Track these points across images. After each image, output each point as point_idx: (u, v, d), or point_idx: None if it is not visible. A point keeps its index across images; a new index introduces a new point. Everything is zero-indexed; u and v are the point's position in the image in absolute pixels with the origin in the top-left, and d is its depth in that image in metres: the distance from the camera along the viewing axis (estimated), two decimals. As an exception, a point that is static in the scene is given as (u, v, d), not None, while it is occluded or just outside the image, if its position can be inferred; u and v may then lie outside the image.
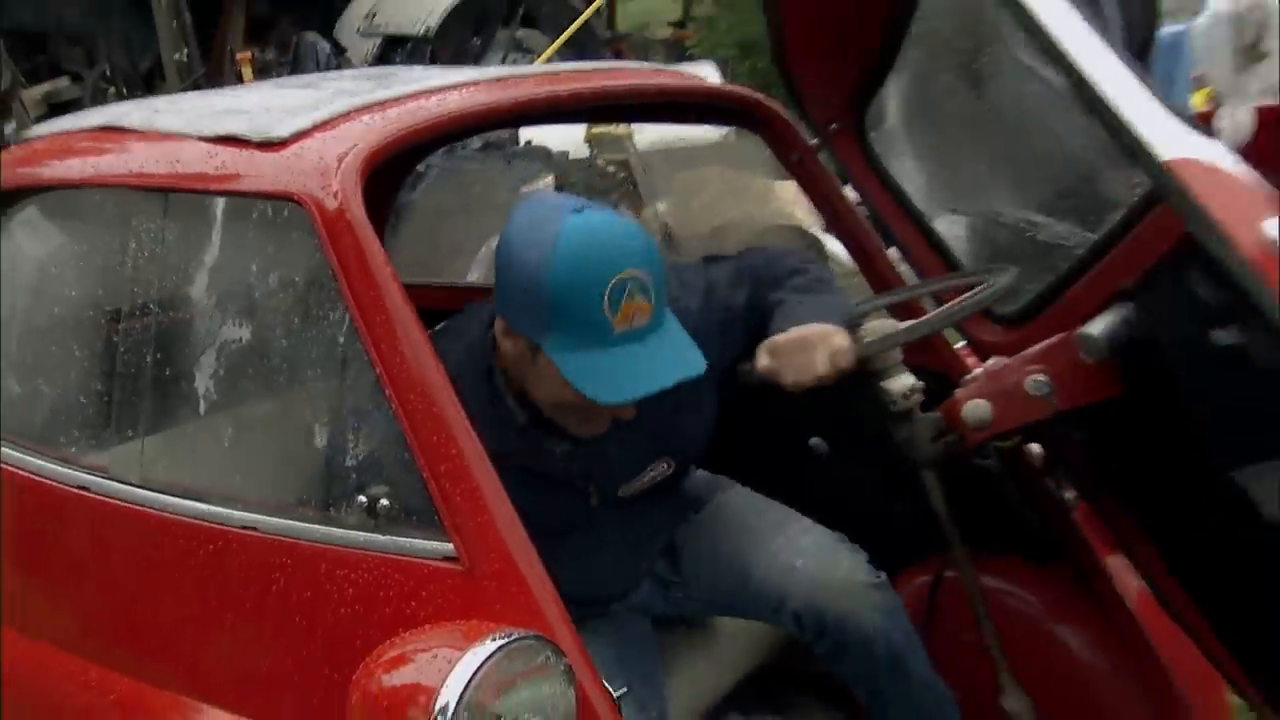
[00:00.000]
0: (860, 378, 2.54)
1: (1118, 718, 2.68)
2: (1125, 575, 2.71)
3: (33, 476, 2.68)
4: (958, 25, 2.61)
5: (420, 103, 2.50)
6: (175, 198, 2.51)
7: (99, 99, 13.33)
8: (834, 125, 2.87)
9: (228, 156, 2.37)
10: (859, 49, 2.75)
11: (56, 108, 13.67)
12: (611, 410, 2.16)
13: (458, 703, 1.73)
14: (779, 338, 2.30)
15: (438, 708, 1.74)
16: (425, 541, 2.02)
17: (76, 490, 2.54)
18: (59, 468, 2.62)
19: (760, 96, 2.87)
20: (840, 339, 2.27)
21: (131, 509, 2.45)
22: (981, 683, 2.61)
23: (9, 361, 2.95)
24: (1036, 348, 2.33)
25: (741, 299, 2.49)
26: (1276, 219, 1.77)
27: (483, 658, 1.77)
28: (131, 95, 13.34)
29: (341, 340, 2.23)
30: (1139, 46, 4.38)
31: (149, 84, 13.94)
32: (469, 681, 1.75)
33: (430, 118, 2.46)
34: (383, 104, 2.45)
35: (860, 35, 2.71)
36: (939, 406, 2.39)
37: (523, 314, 2.14)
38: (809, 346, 2.23)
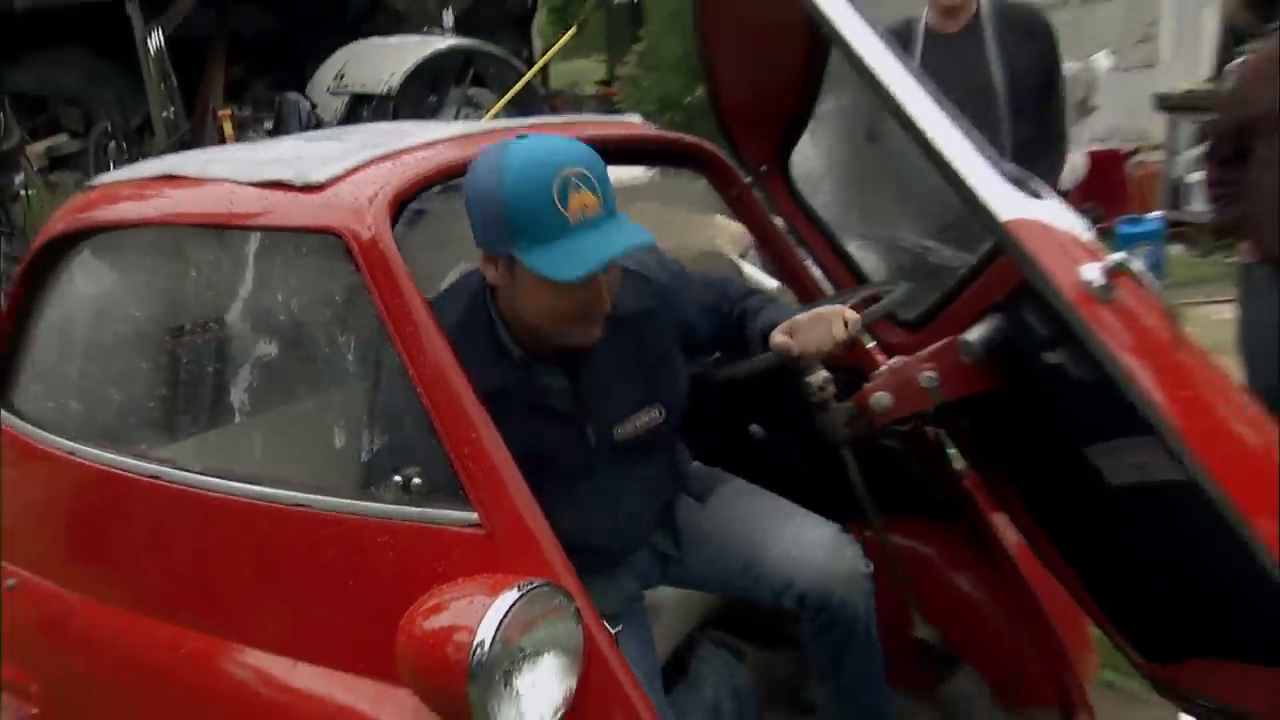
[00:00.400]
0: (788, 377, 2.62)
1: (1002, 643, 2.72)
2: (1005, 530, 2.75)
3: (109, 469, 2.64)
4: (857, 90, 2.66)
5: (428, 152, 2.50)
6: (230, 233, 2.52)
7: (101, 152, 13.27)
8: (763, 167, 2.90)
9: (276, 198, 2.37)
10: (781, 107, 2.81)
11: (56, 161, 13.57)
12: (590, 304, 2.11)
13: (492, 639, 1.75)
14: (797, 318, 2.31)
15: (476, 643, 1.76)
16: (452, 511, 2.03)
17: (149, 479, 2.52)
18: (133, 461, 2.58)
19: (707, 144, 2.90)
20: (848, 312, 2.30)
21: (198, 493, 2.44)
22: (897, 620, 2.64)
23: (84, 374, 2.92)
24: (928, 349, 2.38)
25: (710, 298, 2.50)
26: (1092, 264, 1.85)
27: (510, 602, 1.80)
28: (130, 149, 13.26)
29: (376, 347, 2.26)
30: (1044, 88, 4.41)
31: (140, 138, 13.82)
32: (501, 621, 1.77)
33: (440, 164, 2.45)
34: (399, 153, 2.45)
35: (781, 96, 2.78)
36: (852, 397, 2.44)
37: (493, 235, 2.10)
38: (824, 320, 2.26)
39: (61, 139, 14.18)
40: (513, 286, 2.12)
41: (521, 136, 2.05)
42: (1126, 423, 1.98)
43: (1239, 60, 4.85)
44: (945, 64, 4.32)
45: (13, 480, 3.04)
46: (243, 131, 13.99)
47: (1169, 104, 10.13)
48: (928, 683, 2.71)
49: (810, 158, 2.91)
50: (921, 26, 4.53)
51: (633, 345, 2.29)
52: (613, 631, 2.04)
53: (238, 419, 2.56)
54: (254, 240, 2.48)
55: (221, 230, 2.54)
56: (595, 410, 2.29)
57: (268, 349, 2.49)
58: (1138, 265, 1.85)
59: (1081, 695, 2.67)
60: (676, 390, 2.42)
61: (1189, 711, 2.62)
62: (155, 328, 2.80)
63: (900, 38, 4.42)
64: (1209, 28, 10.87)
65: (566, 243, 1.98)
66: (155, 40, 13.44)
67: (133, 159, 12.91)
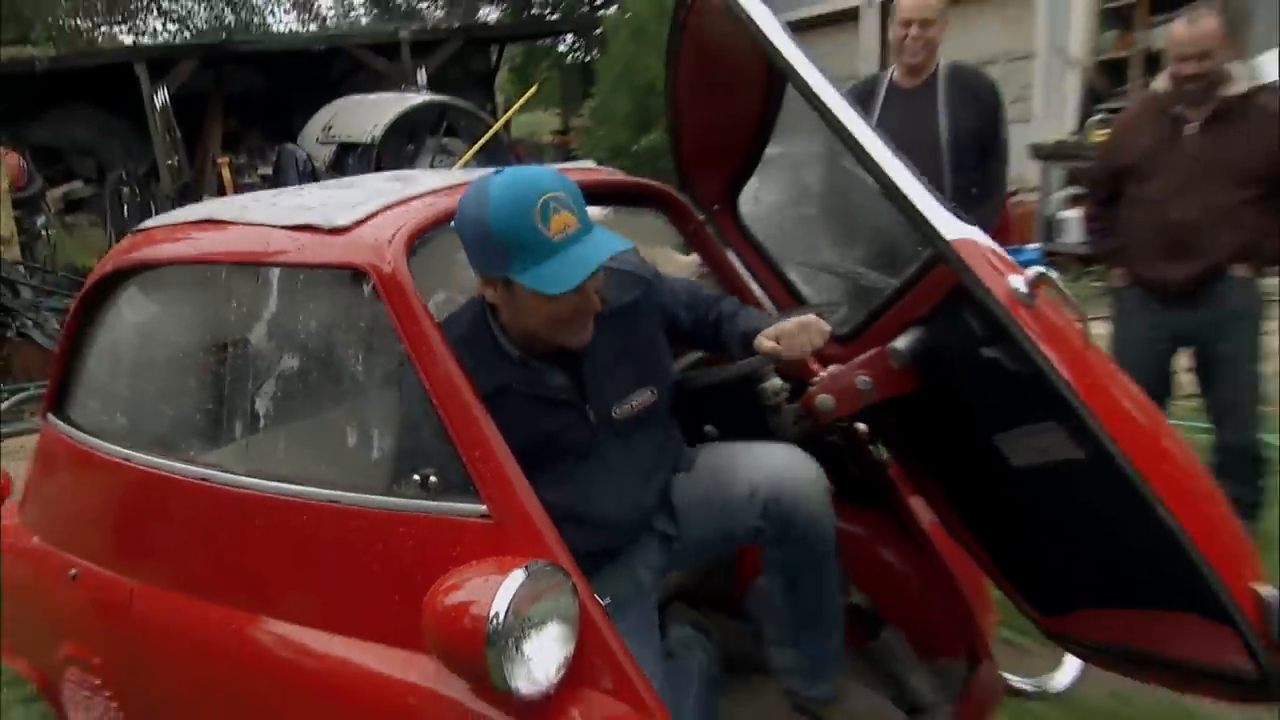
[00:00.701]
0: (743, 385, 2.64)
1: (920, 606, 2.74)
2: (922, 510, 2.77)
3: (160, 472, 2.64)
4: (803, 139, 2.71)
5: (433, 198, 2.51)
6: (267, 269, 2.53)
7: (114, 197, 13.12)
8: (715, 206, 2.92)
9: (307, 239, 2.41)
10: (731, 156, 2.83)
11: (72, 204, 13.44)
12: (582, 307, 2.10)
13: (505, 611, 1.78)
14: (783, 325, 2.29)
15: (491, 614, 1.79)
16: (465, 505, 2.05)
17: (199, 481, 2.53)
18: (182, 465, 2.60)
19: (667, 187, 2.92)
20: (824, 323, 2.31)
21: (241, 493, 2.45)
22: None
23: (134, 390, 2.92)
24: (861, 357, 2.41)
25: (684, 297, 2.48)
26: (1017, 276, 1.94)
27: (519, 580, 1.82)
28: (140, 194, 13.13)
29: (396, 365, 2.26)
30: (986, 142, 4.50)
31: (148, 184, 13.69)
32: (512, 596, 1.80)
33: (444, 209, 2.45)
34: (408, 200, 2.48)
35: (733, 146, 2.80)
36: (799, 401, 2.46)
37: (487, 261, 2.09)
38: (807, 328, 2.26)
39: (77, 185, 14.07)
40: (512, 303, 2.11)
41: (498, 172, 2.06)
42: (1032, 412, 2.06)
43: (1096, 117, 4.92)
44: (902, 114, 4.40)
45: (68, 482, 3.02)
46: (239, 176, 13.95)
47: (1042, 153, 10.33)
48: (859, 641, 2.71)
49: (757, 198, 2.92)
50: (887, 80, 4.55)
51: (624, 333, 2.28)
52: (604, 604, 2.04)
53: (275, 428, 2.55)
54: (288, 275, 2.50)
55: (259, 267, 2.55)
56: (594, 394, 2.26)
57: (300, 368, 2.49)
58: (1055, 276, 1.95)
59: (985, 648, 2.71)
60: (664, 371, 2.42)
61: (1074, 654, 2.72)
62: (200, 350, 2.78)
63: (868, 87, 4.58)
64: (1072, 90, 11.07)
65: (554, 260, 1.98)
66: (160, 98, 13.36)
67: (143, 203, 12.81)
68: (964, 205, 4.44)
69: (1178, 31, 4.09)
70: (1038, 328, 1.94)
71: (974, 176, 4.40)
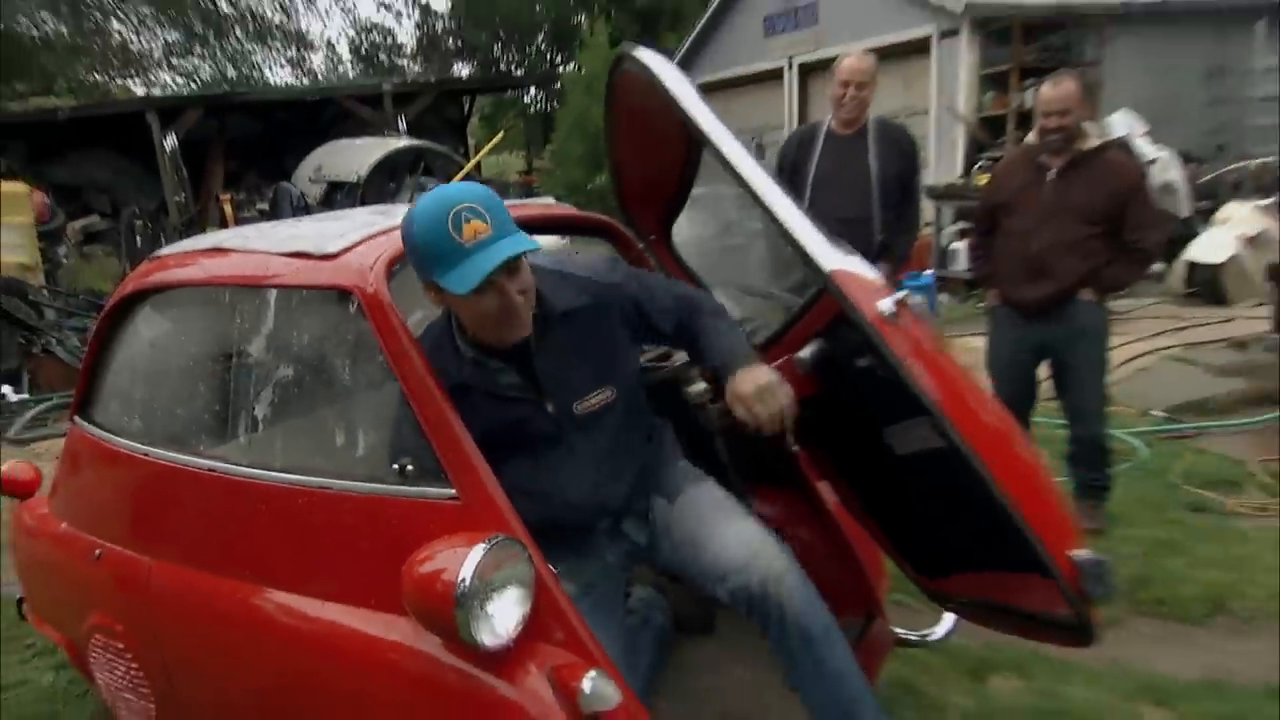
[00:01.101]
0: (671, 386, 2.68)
1: (824, 572, 2.53)
2: (828, 493, 2.78)
3: (173, 464, 2.64)
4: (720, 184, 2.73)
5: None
6: (266, 290, 2.52)
7: (129, 230, 12.96)
8: (652, 236, 2.93)
9: (301, 265, 2.40)
10: (663, 195, 2.82)
11: (90, 236, 13.27)
12: (505, 304, 2.00)
13: (471, 576, 1.78)
14: (741, 391, 2.09)
15: (459, 580, 1.79)
16: (437, 489, 2.05)
17: (207, 472, 2.53)
18: (194, 458, 2.59)
19: (612, 220, 2.94)
20: (782, 387, 2.12)
21: (245, 481, 2.44)
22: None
23: (152, 395, 2.90)
24: (773, 365, 2.43)
25: (669, 303, 2.29)
26: (885, 299, 1.99)
27: (483, 551, 1.82)
28: (151, 227, 12.99)
29: (378, 371, 2.24)
30: (906, 184, 4.61)
31: (158, 218, 13.55)
32: (477, 564, 1.80)
33: None
34: (388, 230, 2.44)
35: (665, 185, 2.80)
36: (722, 401, 2.52)
37: (419, 268, 2.04)
38: (773, 394, 2.08)
39: (94, 219, 13.92)
40: (449, 305, 2.08)
41: (428, 190, 2.01)
42: (905, 408, 2.10)
43: (979, 164, 5.02)
44: (838, 158, 4.49)
45: (93, 474, 2.98)
46: (239, 211, 13.84)
47: (935, 194, 10.45)
48: None
49: (686, 229, 2.93)
50: (824, 128, 4.58)
51: (576, 334, 2.17)
52: (555, 570, 2.05)
53: (273, 426, 2.53)
54: (284, 295, 2.49)
55: (259, 288, 2.55)
56: (552, 391, 2.15)
57: (295, 374, 2.48)
58: (915, 299, 2.04)
59: (879, 607, 2.75)
60: (626, 373, 2.28)
61: (949, 610, 2.78)
62: (208, 359, 2.76)
63: (809, 133, 4.65)
64: (960, 141, 11.29)
65: (465, 263, 1.93)
66: (169, 142, 13.26)
67: (153, 235, 12.67)
68: (891, 233, 4.58)
69: (1044, 92, 4.22)
70: (900, 340, 1.99)
71: (897, 211, 4.49)
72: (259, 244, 2.63)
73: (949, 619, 2.86)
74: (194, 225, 13.09)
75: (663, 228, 2.96)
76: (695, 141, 2.59)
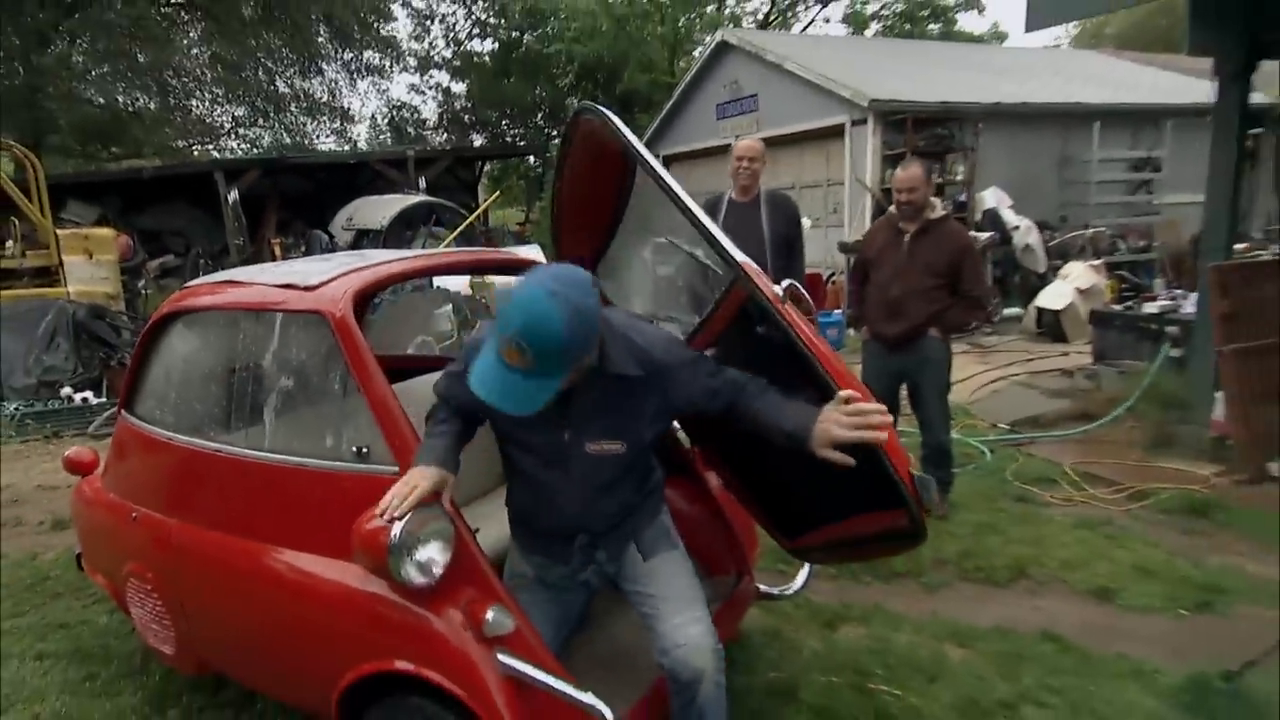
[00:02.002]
0: None
1: (706, 539, 2.72)
2: (712, 479, 2.79)
3: (192, 447, 2.65)
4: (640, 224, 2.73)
5: (376, 269, 2.55)
6: (264, 314, 2.55)
7: (197, 266, 12.97)
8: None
9: (290, 294, 2.45)
10: (594, 234, 2.77)
11: (165, 272, 13.25)
12: None
13: (400, 531, 1.86)
14: (837, 436, 1.87)
15: (392, 534, 1.86)
16: (385, 466, 2.12)
17: (214, 453, 2.57)
18: (206, 442, 2.61)
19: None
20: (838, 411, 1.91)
21: (245, 460, 2.48)
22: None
23: (178, 395, 2.89)
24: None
25: (718, 384, 2.05)
26: (777, 287, 2.03)
27: (412, 512, 1.89)
28: (215, 264, 13.00)
29: (343, 378, 2.29)
30: (791, 241, 4.62)
31: (221, 258, 13.56)
32: (405, 524, 1.87)
33: (382, 275, 2.56)
34: (360, 269, 2.51)
35: (595, 228, 2.75)
36: None
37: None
38: (852, 423, 1.85)
39: (169, 258, 13.86)
40: None
41: (544, 287, 1.74)
42: (791, 380, 2.05)
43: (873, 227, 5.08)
44: (737, 220, 4.47)
45: (133, 456, 2.99)
46: (288, 253, 13.85)
47: (845, 248, 10.44)
48: None
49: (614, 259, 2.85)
50: (727, 196, 4.60)
51: (615, 394, 1.97)
52: (473, 529, 2.10)
53: (266, 420, 2.53)
54: (277, 317, 2.52)
55: (260, 311, 2.57)
56: (574, 426, 1.99)
57: (281, 380, 2.52)
58: (797, 289, 2.06)
59: (746, 567, 2.77)
60: (640, 437, 2.06)
61: (806, 560, 2.78)
62: (220, 367, 2.75)
63: (715, 200, 4.64)
64: (867, 206, 11.38)
65: (493, 369, 1.77)
66: (233, 196, 13.24)
67: (218, 271, 12.71)
68: (781, 279, 4.56)
69: (897, 174, 4.36)
70: (788, 312, 2.02)
71: (785, 262, 4.49)
72: (261, 278, 2.68)
73: (803, 575, 2.87)
74: (250, 264, 13.12)
75: (594, 260, 2.82)
76: (629, 184, 2.56)
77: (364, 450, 2.20)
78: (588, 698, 1.89)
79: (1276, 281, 5.08)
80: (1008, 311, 10.07)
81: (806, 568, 2.86)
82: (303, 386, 2.48)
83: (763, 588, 2.85)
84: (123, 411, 3.05)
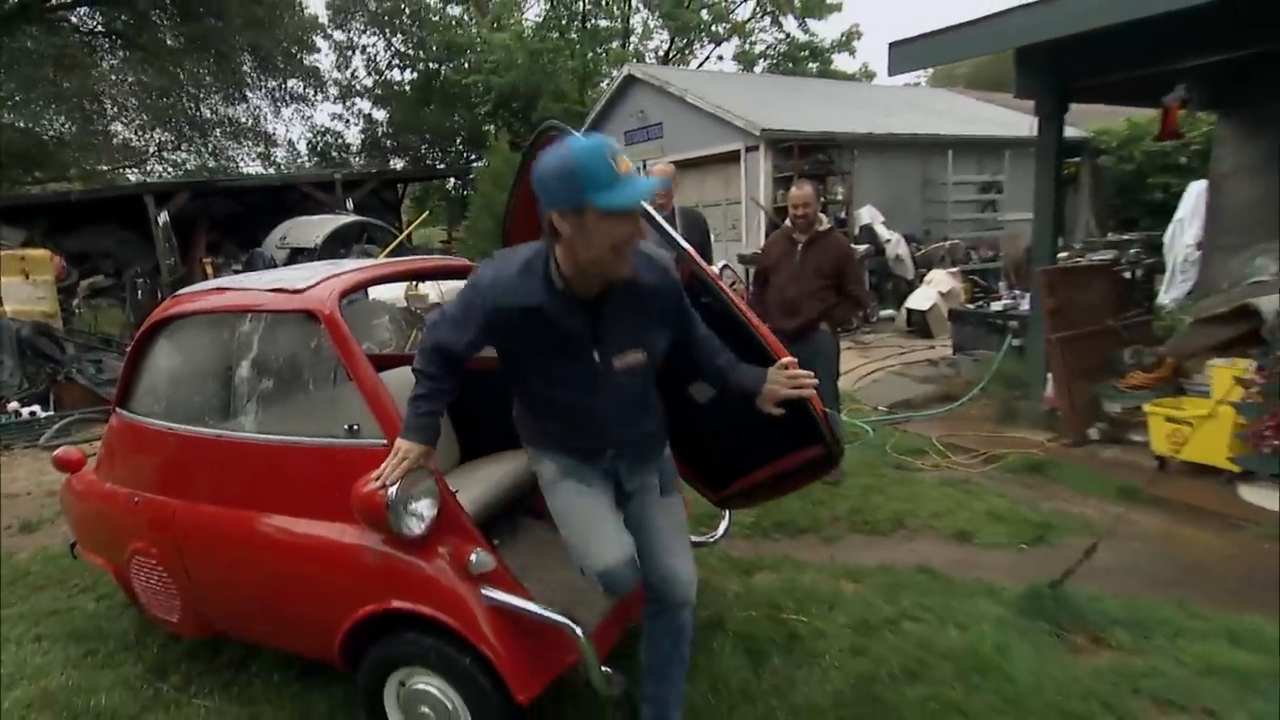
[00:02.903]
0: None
1: None
2: None
3: (191, 435, 2.68)
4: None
5: (353, 274, 2.63)
6: (256, 314, 2.61)
7: (132, 286, 12.46)
8: None
9: (281, 297, 2.51)
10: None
11: (96, 291, 12.66)
12: (635, 233, 1.82)
13: (397, 490, 1.99)
14: (782, 392, 2.04)
15: (388, 495, 2.00)
16: (374, 440, 2.22)
17: (214, 438, 2.60)
18: (205, 429, 2.65)
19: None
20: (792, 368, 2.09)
21: (244, 443, 2.53)
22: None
23: (174, 389, 2.90)
24: None
25: (702, 331, 2.12)
26: (712, 267, 2.24)
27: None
28: (149, 285, 12.49)
29: (333, 368, 2.43)
30: (704, 253, 4.46)
31: (153, 277, 13.03)
32: (400, 483, 2.00)
33: (360, 279, 2.64)
34: (339, 274, 2.58)
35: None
36: None
37: (566, 196, 1.75)
38: (793, 379, 2.04)
39: (100, 278, 13.25)
40: (580, 231, 1.77)
41: (573, 139, 1.78)
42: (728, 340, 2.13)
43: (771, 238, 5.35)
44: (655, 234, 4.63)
45: (132, 446, 2.97)
46: (219, 272, 13.40)
47: (745, 260, 10.77)
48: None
49: None
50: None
51: (637, 305, 1.95)
52: (453, 489, 2.21)
53: (260, 407, 2.60)
54: (270, 318, 2.59)
55: (252, 312, 2.62)
56: (603, 340, 1.94)
57: (274, 373, 2.59)
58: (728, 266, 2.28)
59: None
60: (657, 346, 2.03)
61: (731, 507, 2.85)
62: (218, 363, 2.77)
63: None
64: (761, 223, 11.74)
65: (620, 187, 1.72)
66: (162, 218, 12.80)
67: (150, 291, 12.19)
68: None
69: (791, 193, 4.68)
70: (726, 290, 2.20)
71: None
72: (249, 284, 2.74)
73: (723, 525, 2.94)
74: (181, 283, 12.61)
75: None
76: None
77: (355, 427, 2.30)
78: (560, 618, 2.04)
79: (1090, 282, 5.70)
80: (883, 313, 10.64)
81: (726, 517, 2.99)
82: (297, 375, 2.56)
83: (692, 538, 3.00)
84: (118, 409, 3.04)
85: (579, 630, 2.03)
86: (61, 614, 3.55)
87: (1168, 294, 8.23)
